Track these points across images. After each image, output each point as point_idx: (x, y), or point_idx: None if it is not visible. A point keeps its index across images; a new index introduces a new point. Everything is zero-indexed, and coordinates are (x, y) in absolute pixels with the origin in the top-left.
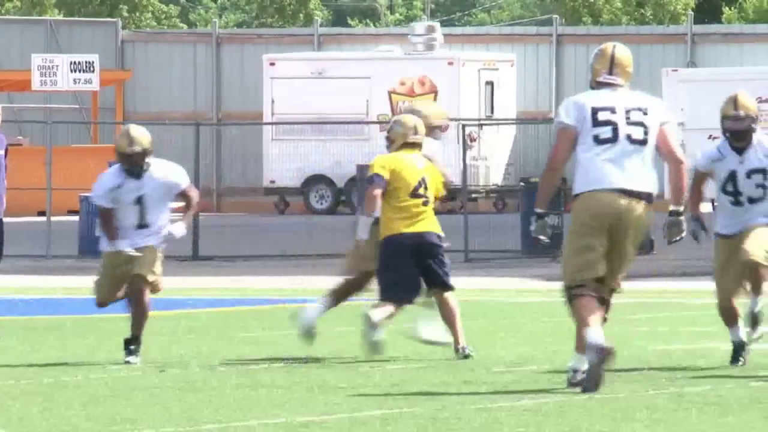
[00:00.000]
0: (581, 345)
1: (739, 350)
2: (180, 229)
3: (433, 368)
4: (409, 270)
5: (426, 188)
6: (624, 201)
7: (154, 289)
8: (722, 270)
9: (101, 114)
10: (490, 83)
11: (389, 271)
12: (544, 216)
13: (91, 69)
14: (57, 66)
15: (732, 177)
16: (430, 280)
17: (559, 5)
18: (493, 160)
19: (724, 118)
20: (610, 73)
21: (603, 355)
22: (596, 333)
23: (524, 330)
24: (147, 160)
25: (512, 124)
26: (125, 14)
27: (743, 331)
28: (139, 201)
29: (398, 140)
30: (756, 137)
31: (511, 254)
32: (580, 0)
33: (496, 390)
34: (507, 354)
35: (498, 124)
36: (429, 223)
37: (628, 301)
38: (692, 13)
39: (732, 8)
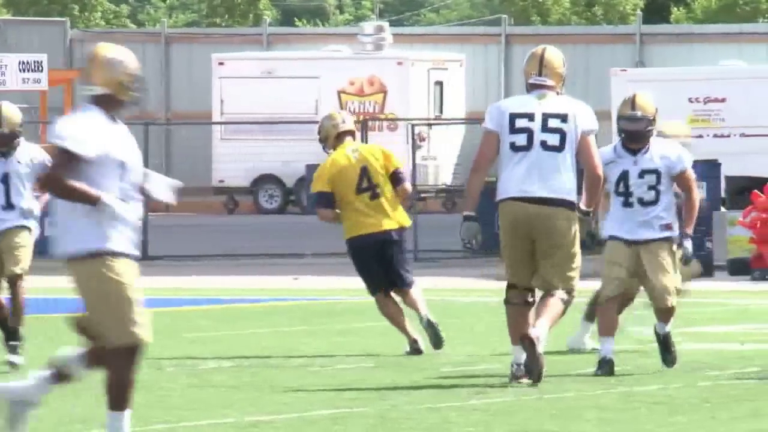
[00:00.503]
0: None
1: (604, 365)
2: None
3: (382, 368)
4: (375, 269)
5: (369, 178)
6: (536, 208)
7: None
8: (610, 266)
9: (50, 114)
10: (440, 83)
11: (361, 273)
12: (472, 218)
13: (40, 68)
14: (5, 65)
15: (624, 177)
16: (391, 282)
17: (508, 5)
18: (443, 160)
19: (620, 118)
20: (540, 74)
21: (520, 377)
22: (518, 353)
23: (473, 330)
24: (17, 140)
25: (461, 123)
26: (76, 13)
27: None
28: (4, 180)
29: (330, 134)
30: (652, 140)
31: (460, 254)
32: (529, 0)
33: (446, 389)
34: (456, 354)
35: (447, 123)
36: (386, 220)
37: (575, 301)
38: (641, 13)
39: (680, 8)
